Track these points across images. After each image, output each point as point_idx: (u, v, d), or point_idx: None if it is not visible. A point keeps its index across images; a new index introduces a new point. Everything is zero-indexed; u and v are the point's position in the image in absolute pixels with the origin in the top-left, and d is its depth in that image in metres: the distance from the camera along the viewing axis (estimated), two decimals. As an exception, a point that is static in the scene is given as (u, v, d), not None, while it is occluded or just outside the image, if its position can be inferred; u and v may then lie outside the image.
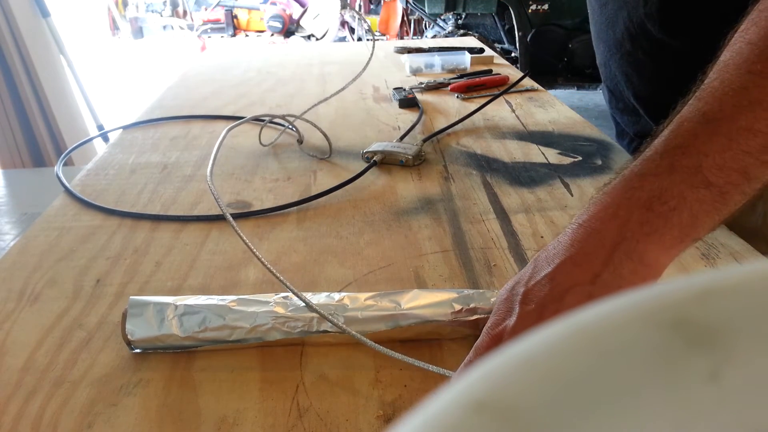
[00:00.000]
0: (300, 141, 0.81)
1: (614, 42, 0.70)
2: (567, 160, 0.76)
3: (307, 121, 0.81)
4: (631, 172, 0.37)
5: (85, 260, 0.55)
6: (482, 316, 0.42)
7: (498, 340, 0.37)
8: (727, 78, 0.35)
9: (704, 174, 0.34)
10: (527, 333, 0.29)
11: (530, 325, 0.36)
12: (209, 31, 5.71)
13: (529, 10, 3.25)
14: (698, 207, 0.34)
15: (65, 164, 0.79)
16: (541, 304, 0.36)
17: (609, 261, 0.35)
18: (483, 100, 0.97)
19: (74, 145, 0.98)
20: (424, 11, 3.51)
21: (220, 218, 0.62)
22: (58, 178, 0.72)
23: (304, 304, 0.42)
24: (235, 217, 0.62)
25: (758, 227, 0.62)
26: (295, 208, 0.64)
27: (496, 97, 0.97)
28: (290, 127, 0.83)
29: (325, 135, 0.79)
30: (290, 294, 0.43)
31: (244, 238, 0.45)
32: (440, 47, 1.42)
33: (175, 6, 6.42)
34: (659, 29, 0.62)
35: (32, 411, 0.38)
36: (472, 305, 0.42)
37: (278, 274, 0.43)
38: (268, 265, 0.44)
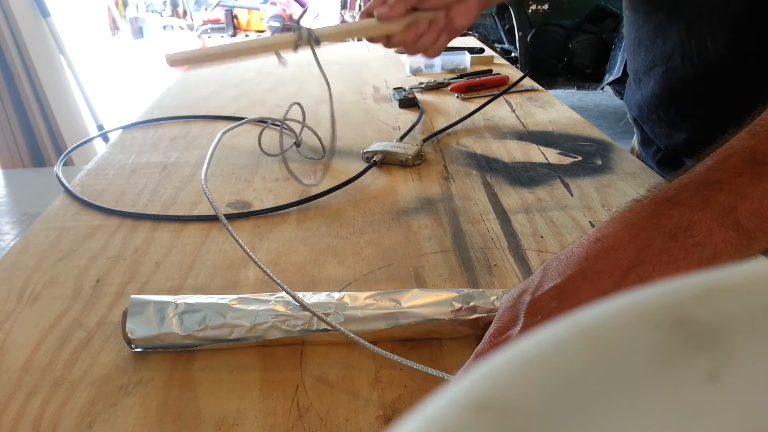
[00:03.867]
0: (298, 144, 0.81)
1: (661, 53, 0.67)
2: (567, 160, 0.76)
3: (306, 125, 0.81)
4: (663, 196, 0.36)
5: (85, 260, 0.55)
6: (482, 315, 0.42)
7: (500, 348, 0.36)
8: None
9: (737, 216, 0.33)
10: None
11: None
12: (209, 31, 5.71)
13: (529, 10, 3.25)
14: (722, 247, 0.33)
15: (65, 164, 0.79)
16: (547, 316, 0.35)
17: (621, 282, 0.34)
18: (483, 100, 0.97)
19: (74, 145, 0.98)
20: (424, 11, 3.50)
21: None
22: (58, 178, 0.72)
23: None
24: (235, 217, 0.62)
25: None
26: (295, 208, 0.64)
27: (496, 97, 0.97)
28: (286, 127, 0.83)
29: (319, 138, 0.79)
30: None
31: (240, 240, 0.45)
32: (440, 47, 1.42)
33: (175, 6, 6.42)
34: (724, 49, 0.59)
35: (32, 411, 0.38)
36: (472, 304, 0.42)
37: (273, 276, 0.43)
38: (263, 266, 0.44)
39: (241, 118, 0.90)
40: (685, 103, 0.68)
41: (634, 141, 0.86)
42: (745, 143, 0.35)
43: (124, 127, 0.92)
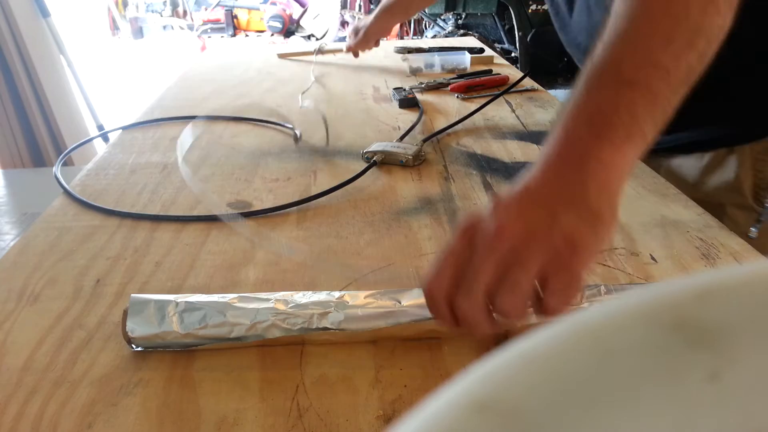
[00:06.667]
0: (297, 140, 0.82)
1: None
2: (567, 160, 0.76)
3: (308, 108, 0.81)
4: (569, 104, 0.41)
5: (85, 260, 0.55)
6: (482, 316, 0.42)
7: (470, 231, 0.38)
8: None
9: (624, 76, 0.39)
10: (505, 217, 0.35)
11: (508, 209, 0.38)
12: (209, 31, 5.70)
13: (529, 10, 3.25)
14: (632, 106, 0.39)
15: (65, 164, 0.79)
16: (524, 206, 0.39)
17: (580, 168, 0.39)
18: (483, 100, 0.97)
19: (73, 146, 0.97)
20: (424, 11, 3.51)
21: (219, 218, 0.62)
22: (57, 179, 0.72)
23: (304, 302, 0.42)
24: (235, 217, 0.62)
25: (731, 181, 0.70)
26: (295, 208, 0.64)
27: (496, 97, 0.97)
28: (289, 126, 0.83)
29: (324, 121, 0.80)
30: (291, 292, 0.43)
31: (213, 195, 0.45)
32: (440, 47, 1.42)
33: (175, 6, 6.41)
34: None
35: (32, 411, 0.38)
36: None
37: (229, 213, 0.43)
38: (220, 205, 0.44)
39: (242, 118, 0.91)
40: None
41: None
42: (610, 30, 0.42)
43: (124, 128, 0.92)
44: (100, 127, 2.76)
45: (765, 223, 0.72)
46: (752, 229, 0.71)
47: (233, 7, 5.60)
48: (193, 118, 0.95)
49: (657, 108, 0.40)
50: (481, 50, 1.40)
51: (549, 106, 0.98)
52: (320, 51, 1.32)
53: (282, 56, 1.38)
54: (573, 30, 0.81)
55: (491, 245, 0.37)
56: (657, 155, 0.76)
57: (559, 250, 0.36)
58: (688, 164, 0.75)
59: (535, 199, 0.39)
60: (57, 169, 0.76)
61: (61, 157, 0.83)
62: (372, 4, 5.11)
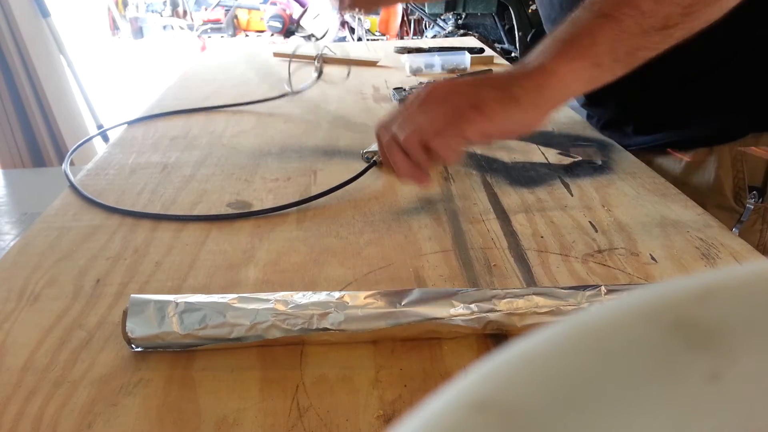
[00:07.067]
0: (319, 74, 0.95)
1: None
2: (567, 160, 0.76)
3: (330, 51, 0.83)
4: (552, 34, 0.47)
5: (85, 260, 0.55)
6: (482, 315, 0.42)
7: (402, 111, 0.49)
8: None
9: (602, 11, 0.44)
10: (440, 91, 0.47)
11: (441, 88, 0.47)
12: (209, 31, 5.71)
13: (529, 10, 3.25)
14: (596, 33, 0.44)
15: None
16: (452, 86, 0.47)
17: (524, 73, 0.45)
18: (483, 100, 0.96)
19: (80, 142, 0.97)
20: (424, 11, 3.51)
21: (220, 218, 0.62)
22: (66, 175, 0.72)
23: (304, 303, 0.42)
24: (235, 217, 0.63)
25: (710, 183, 0.72)
26: (295, 208, 0.64)
27: (496, 97, 0.97)
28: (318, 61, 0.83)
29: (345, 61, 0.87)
30: (291, 293, 0.43)
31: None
32: (440, 47, 1.42)
33: (175, 6, 6.41)
34: None
35: (32, 411, 0.38)
36: (472, 304, 0.42)
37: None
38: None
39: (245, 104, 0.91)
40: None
41: None
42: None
43: (129, 123, 0.92)
44: (100, 127, 2.76)
45: (746, 224, 0.72)
46: (734, 229, 0.71)
47: (233, 7, 5.60)
48: (200, 109, 0.95)
49: (621, 43, 0.44)
50: (481, 50, 1.40)
51: (549, 106, 0.98)
52: (323, 59, 1.31)
53: (277, 55, 1.38)
54: (547, 5, 0.82)
55: (417, 100, 0.47)
56: (637, 155, 0.76)
57: (462, 108, 0.44)
58: (669, 164, 0.75)
59: (471, 82, 0.46)
60: (66, 166, 0.76)
61: (69, 153, 0.83)
62: (372, 4, 5.10)
